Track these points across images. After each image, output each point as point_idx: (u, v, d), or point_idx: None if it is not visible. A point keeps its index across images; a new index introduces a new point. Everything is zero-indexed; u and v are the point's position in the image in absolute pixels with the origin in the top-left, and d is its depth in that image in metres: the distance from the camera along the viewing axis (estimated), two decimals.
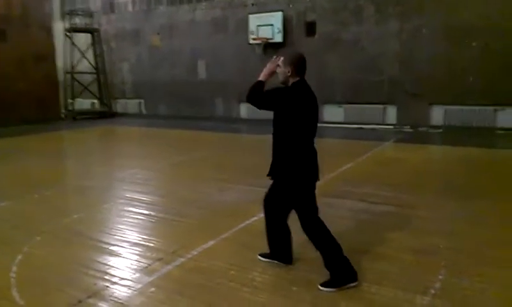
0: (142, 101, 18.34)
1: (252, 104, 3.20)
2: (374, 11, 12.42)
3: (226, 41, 15.24)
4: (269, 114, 3.26)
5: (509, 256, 3.74)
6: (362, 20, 12.61)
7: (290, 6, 13.62)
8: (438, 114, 11.80)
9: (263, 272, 3.50)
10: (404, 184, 6.27)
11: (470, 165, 7.55)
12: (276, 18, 13.54)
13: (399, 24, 12.11)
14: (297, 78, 3.15)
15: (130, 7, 18.04)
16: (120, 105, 19.02)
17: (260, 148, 9.90)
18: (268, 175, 3.33)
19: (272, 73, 3.21)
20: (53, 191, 6.48)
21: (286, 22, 13.64)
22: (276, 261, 3.58)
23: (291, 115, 3.10)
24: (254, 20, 13.95)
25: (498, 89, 10.81)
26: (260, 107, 3.22)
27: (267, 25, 13.72)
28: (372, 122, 12.55)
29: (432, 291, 3.13)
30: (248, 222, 4.68)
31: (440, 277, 3.34)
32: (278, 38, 13.59)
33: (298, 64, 3.13)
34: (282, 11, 13.53)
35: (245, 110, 15.22)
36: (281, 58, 3.16)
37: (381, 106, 12.59)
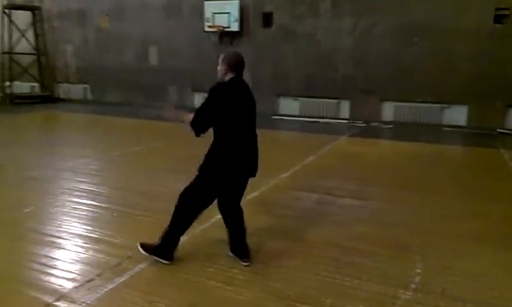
0: (87, 86, 17.35)
1: (202, 133, 3.27)
2: (330, 6, 12.56)
3: (180, 27, 14.74)
4: None
5: (472, 248, 3.91)
6: (318, 14, 12.71)
7: None
8: (388, 110, 12.22)
9: (243, 269, 3.38)
10: (366, 178, 6.39)
11: (423, 160, 7.86)
12: (233, 7, 13.27)
13: (353, 21, 12.34)
14: (233, 76, 3.30)
15: None
16: (63, 90, 17.85)
17: None
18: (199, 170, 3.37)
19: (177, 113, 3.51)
20: None
21: (243, 11, 13.43)
22: (158, 258, 3.43)
23: (222, 111, 3.19)
24: (210, 7, 13.59)
25: (444, 87, 11.38)
26: (206, 130, 3.27)
27: (223, 13, 13.42)
28: (326, 116, 12.76)
29: (413, 286, 3.17)
30: (218, 216, 4.49)
31: (418, 270, 3.41)
32: (235, 27, 13.35)
33: (232, 63, 3.31)
34: None
35: (199, 99, 14.88)
36: (220, 59, 3.35)
37: (334, 101, 12.81)
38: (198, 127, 3.22)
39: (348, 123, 12.33)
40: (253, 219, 4.34)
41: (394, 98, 12.10)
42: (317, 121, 12.43)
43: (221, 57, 3.36)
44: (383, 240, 4.03)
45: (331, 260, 3.54)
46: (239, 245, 3.52)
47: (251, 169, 3.40)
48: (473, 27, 10.86)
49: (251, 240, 3.63)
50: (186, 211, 3.39)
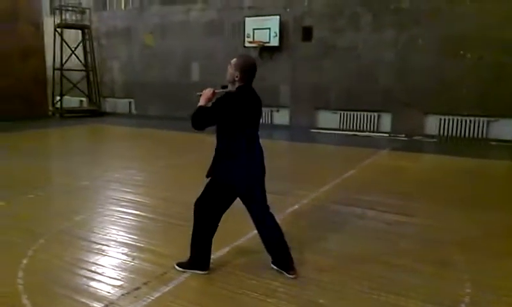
0: (132, 101, 18.03)
1: (198, 129, 3.30)
2: (370, 19, 12.47)
3: (220, 43, 15.09)
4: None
5: None
6: (359, 27, 12.65)
7: (287, 10, 13.58)
8: (432, 124, 11.90)
9: (285, 282, 3.37)
10: (409, 193, 6.24)
11: (469, 175, 7.58)
12: (273, 22, 13.47)
13: (394, 34, 12.19)
14: (243, 84, 3.27)
15: (122, 5, 17.75)
16: (109, 104, 18.66)
17: None
18: (207, 176, 3.49)
19: (210, 100, 3.31)
20: (48, 192, 6.25)
21: (283, 26, 13.59)
22: (194, 270, 3.49)
23: (230, 120, 3.24)
24: (250, 23, 13.85)
25: (491, 100, 10.97)
26: (204, 128, 3.33)
27: (263, 29, 13.63)
28: (366, 129, 12.58)
29: (463, 306, 3.06)
30: None
31: (468, 290, 3.27)
32: (275, 42, 13.52)
33: (247, 72, 3.26)
34: (279, 15, 13.47)
35: None
36: (233, 61, 3.29)
37: (375, 114, 12.62)
38: (197, 125, 3.25)
39: (389, 136, 12.09)
40: (293, 232, 4.34)
41: (438, 111, 11.79)
42: (357, 135, 12.28)
43: (234, 61, 3.29)
44: (429, 257, 3.91)
45: (376, 277, 3.48)
46: (282, 258, 3.51)
47: (263, 168, 3.45)
48: None
49: (292, 253, 3.62)
50: (203, 217, 3.45)
